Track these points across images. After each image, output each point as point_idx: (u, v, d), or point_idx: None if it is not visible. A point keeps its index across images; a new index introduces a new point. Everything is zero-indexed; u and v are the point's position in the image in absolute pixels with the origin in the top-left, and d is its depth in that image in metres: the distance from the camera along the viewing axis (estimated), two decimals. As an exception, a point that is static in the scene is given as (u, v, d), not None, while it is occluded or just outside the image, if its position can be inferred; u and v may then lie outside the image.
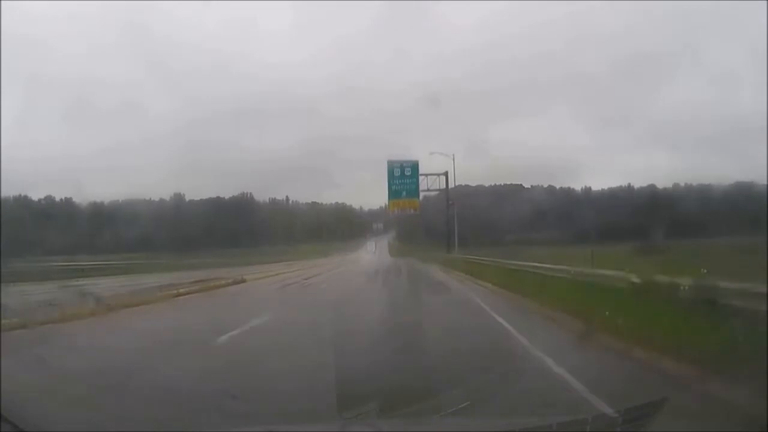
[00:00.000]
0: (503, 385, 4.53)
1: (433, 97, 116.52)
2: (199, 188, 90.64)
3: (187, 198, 76.48)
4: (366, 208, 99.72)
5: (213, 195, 78.90)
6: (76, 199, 64.26)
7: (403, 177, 41.94)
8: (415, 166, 42.45)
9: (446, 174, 45.40)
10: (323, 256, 60.84)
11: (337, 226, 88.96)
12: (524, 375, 5.19)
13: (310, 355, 6.45)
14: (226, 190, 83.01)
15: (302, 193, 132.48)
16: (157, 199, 73.50)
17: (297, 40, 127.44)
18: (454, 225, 45.50)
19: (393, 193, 42.09)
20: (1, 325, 8.22)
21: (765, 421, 3.26)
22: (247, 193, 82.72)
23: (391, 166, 42.26)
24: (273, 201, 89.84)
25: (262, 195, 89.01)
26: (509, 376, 5.01)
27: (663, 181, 76.98)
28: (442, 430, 3.50)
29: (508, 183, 74.01)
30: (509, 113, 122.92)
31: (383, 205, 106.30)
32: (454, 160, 45.83)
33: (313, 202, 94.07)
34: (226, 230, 68.28)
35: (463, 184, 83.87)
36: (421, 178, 42.83)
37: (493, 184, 73.60)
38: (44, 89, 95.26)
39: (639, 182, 73.75)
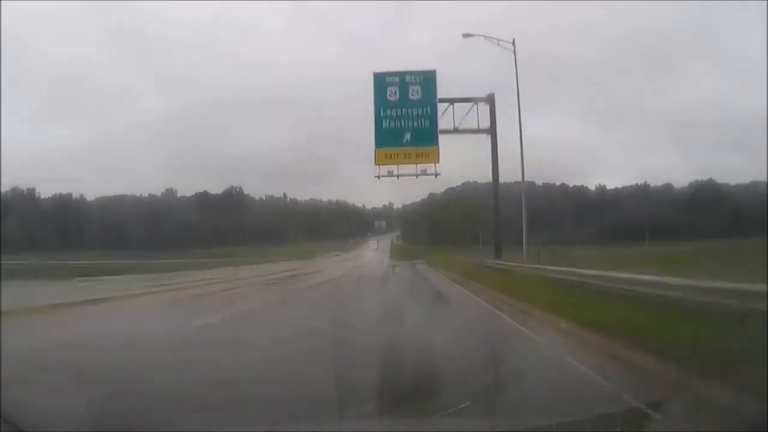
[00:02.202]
0: (503, 386, 4.84)
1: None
2: (197, 186, 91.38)
3: (179, 194, 77.67)
4: (369, 206, 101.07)
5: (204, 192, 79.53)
6: (40, 193, 64.99)
7: (405, 104, 24.87)
8: (429, 82, 25.15)
9: (491, 99, 25.93)
10: (308, 258, 57.93)
11: (336, 225, 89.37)
12: (525, 376, 5.49)
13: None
14: (221, 187, 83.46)
15: (302, 190, 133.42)
16: (146, 195, 74.64)
17: (294, 28, 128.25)
18: (522, 207, 26.83)
19: (384, 136, 24.79)
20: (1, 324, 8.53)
21: (765, 421, 3.53)
22: (236, 188, 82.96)
23: (382, 84, 25.13)
24: (270, 198, 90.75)
25: (258, 191, 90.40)
26: (509, 377, 5.32)
27: (679, 181, 78.72)
28: (442, 430, 3.80)
29: (519, 181, 73.95)
30: (515, 109, 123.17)
31: (387, 203, 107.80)
32: (516, 53, 25.50)
33: (311, 199, 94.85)
34: (211, 228, 68.68)
35: (471, 181, 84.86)
36: (440, 107, 25.24)
37: (503, 182, 73.85)
38: (28, 81, 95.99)
39: (654, 181, 75.31)
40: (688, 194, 66.63)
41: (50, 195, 66.65)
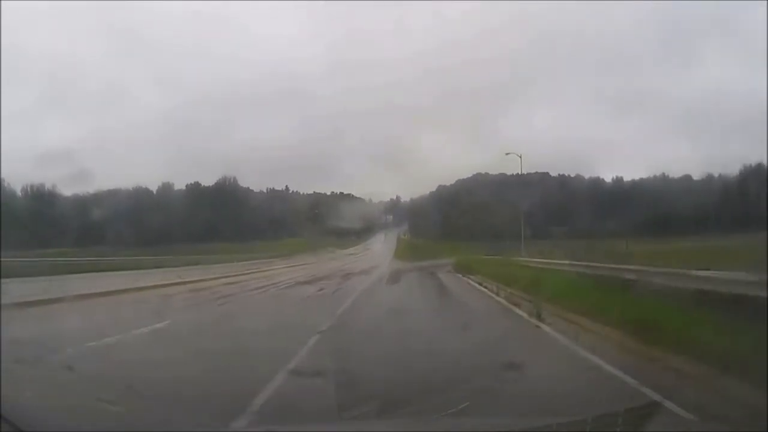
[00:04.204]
0: (503, 386, 5.15)
1: (440, 75, 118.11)
2: (195, 179, 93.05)
3: (176, 188, 79.06)
4: (376, 200, 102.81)
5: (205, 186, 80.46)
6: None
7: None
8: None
9: None
10: (293, 256, 55.05)
11: (339, 219, 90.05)
12: (525, 376, 5.80)
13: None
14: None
15: (306, 183, 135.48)
16: (142, 188, 75.79)
17: (294, 24, 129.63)
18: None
19: None
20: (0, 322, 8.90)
21: (765, 421, 3.81)
22: (229, 178, 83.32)
23: None
24: (271, 191, 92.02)
25: (259, 184, 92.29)
26: (509, 376, 5.63)
27: (697, 172, 79.99)
28: (442, 430, 4.09)
29: (532, 172, 74.74)
30: (526, 95, 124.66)
31: (394, 196, 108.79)
32: None
33: (314, 192, 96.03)
34: (202, 222, 69.13)
35: (483, 172, 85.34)
36: None
37: (515, 173, 74.81)
38: (24, 78, 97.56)
39: (670, 172, 76.41)
40: (736, 183, 66.72)
41: (30, 190, 67.68)
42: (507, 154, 43.37)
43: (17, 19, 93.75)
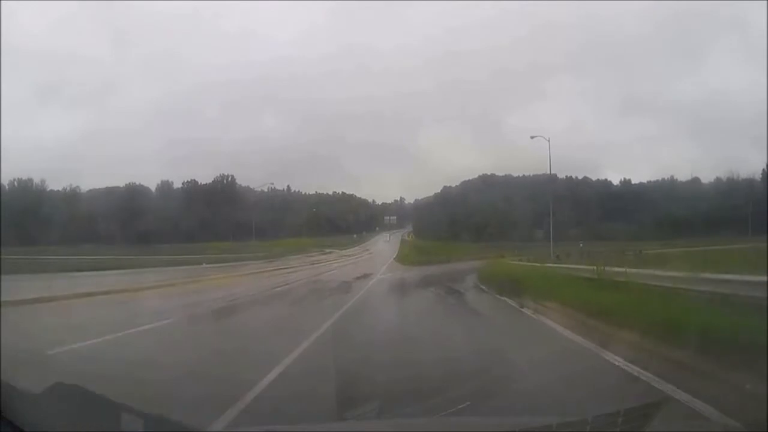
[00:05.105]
0: (503, 385, 5.25)
1: (444, 76, 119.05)
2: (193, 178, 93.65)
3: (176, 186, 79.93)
4: (379, 201, 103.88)
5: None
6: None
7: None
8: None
9: None
10: (281, 257, 53.07)
11: (341, 219, 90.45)
12: (524, 376, 5.92)
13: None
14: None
15: (309, 183, 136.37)
16: (141, 185, 76.61)
17: (295, 23, 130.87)
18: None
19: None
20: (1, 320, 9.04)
21: (765, 421, 3.89)
22: (227, 176, 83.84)
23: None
24: (273, 190, 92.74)
25: (259, 183, 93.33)
26: (509, 376, 5.74)
27: (706, 174, 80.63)
28: (442, 430, 4.20)
29: (539, 173, 75.38)
30: (532, 97, 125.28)
31: (398, 197, 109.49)
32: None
33: (316, 192, 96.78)
34: (197, 220, 69.49)
35: (489, 173, 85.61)
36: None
37: (521, 174, 75.21)
38: (18, 74, 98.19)
39: (680, 175, 76.93)
40: (756, 185, 66.97)
41: (18, 184, 68.62)
42: (532, 137, 40.24)
43: (13, 13, 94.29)
